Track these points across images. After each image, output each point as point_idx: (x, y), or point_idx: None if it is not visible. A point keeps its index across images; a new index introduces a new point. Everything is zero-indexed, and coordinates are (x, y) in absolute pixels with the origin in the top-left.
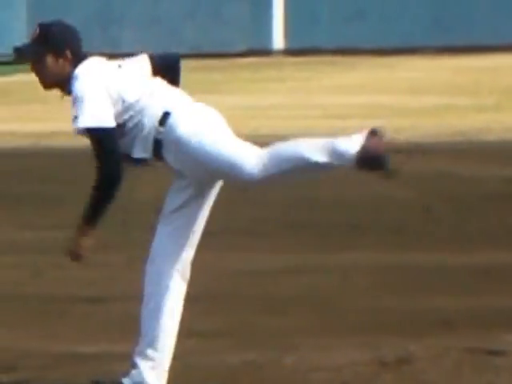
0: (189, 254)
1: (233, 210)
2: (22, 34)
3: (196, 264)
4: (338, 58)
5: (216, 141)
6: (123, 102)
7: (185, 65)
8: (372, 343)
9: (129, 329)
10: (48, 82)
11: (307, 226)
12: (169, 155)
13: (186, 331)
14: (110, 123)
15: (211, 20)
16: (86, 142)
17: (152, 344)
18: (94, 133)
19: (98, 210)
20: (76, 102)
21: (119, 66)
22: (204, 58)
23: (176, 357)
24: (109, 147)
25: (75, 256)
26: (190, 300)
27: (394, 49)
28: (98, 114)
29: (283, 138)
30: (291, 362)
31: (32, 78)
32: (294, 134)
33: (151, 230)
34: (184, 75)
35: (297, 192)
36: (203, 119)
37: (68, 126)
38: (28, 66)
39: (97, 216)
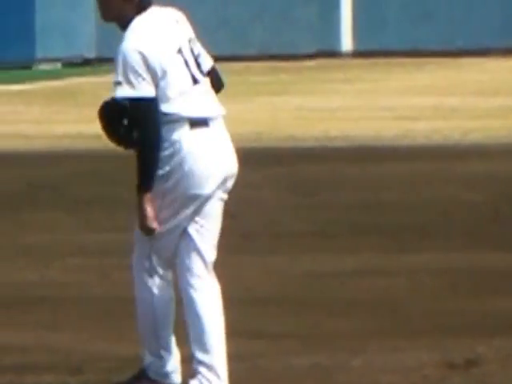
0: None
1: (303, 213)
2: (90, 36)
3: (266, 266)
4: (406, 60)
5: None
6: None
7: (253, 66)
8: (440, 345)
9: None
10: (108, 16)
11: (376, 228)
12: None
13: (254, 333)
14: (149, 93)
15: (279, 21)
16: None
17: (200, 348)
18: (133, 102)
19: (146, 174)
20: (118, 65)
21: (190, 41)
22: (272, 60)
23: (244, 358)
24: (147, 116)
25: (147, 231)
26: (259, 302)
27: (461, 50)
28: (138, 83)
29: (352, 139)
30: (359, 365)
31: (101, 80)
32: (363, 135)
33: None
34: (252, 77)
35: (365, 195)
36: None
37: None
38: (97, 68)
39: (148, 179)
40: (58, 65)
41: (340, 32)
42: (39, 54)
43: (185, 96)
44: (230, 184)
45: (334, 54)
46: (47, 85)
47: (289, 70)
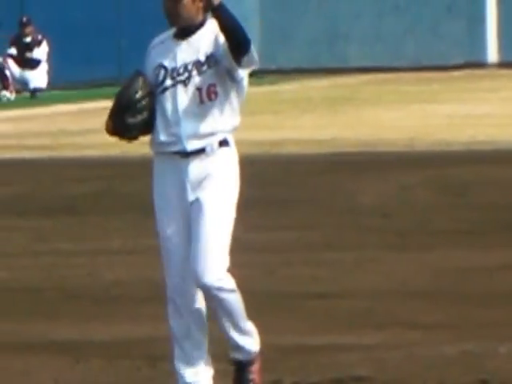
0: None
1: (453, 212)
2: None
3: (419, 262)
4: None
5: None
6: None
7: (406, 77)
8: None
9: (353, 322)
10: (179, 21)
11: None
12: None
13: (410, 324)
14: None
15: (430, 35)
16: (312, 150)
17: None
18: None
19: (233, 22)
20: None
21: None
22: (424, 71)
23: (401, 347)
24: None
25: None
26: (414, 295)
27: None
28: None
29: (498, 144)
30: (506, 351)
31: (265, 90)
32: (508, 140)
33: (375, 232)
34: (405, 86)
35: (510, 195)
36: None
37: (297, 135)
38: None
39: (228, 19)
40: None
41: (486, 45)
42: None
43: None
44: None
45: (480, 64)
46: None
47: (438, 79)
